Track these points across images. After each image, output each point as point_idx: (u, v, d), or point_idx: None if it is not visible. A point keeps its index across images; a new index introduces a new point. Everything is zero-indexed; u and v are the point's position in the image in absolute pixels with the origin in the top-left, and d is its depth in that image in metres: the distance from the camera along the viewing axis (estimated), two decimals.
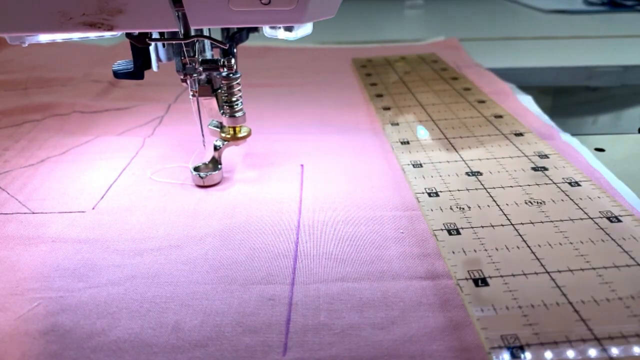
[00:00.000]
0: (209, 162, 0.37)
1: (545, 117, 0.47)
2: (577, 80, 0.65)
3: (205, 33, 0.32)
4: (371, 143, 0.43)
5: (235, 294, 0.26)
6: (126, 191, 0.36)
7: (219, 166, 0.37)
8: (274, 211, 0.33)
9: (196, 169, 0.37)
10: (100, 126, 0.47)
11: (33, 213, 0.33)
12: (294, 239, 0.30)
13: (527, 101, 0.51)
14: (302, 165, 0.39)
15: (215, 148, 0.37)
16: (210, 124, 0.38)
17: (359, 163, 0.39)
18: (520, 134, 0.41)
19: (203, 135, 0.37)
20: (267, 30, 0.32)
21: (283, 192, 0.35)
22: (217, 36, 0.34)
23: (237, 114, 0.35)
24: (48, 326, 0.24)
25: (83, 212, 0.33)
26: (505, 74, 0.59)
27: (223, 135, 0.37)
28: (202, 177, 0.36)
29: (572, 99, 0.61)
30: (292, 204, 0.34)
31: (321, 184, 0.36)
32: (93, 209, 0.34)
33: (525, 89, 0.54)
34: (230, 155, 0.41)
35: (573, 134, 0.43)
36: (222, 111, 0.36)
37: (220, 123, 0.37)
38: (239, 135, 0.37)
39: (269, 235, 0.31)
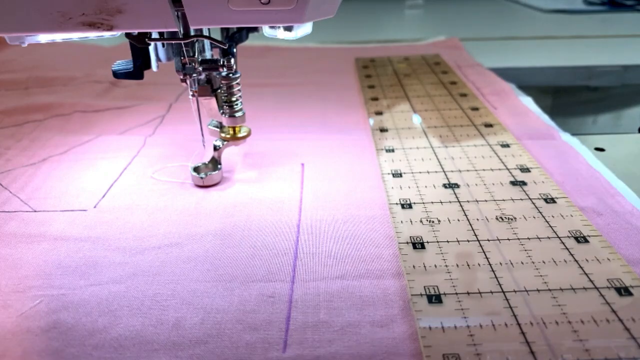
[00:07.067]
0: (209, 162, 0.37)
1: (545, 117, 0.47)
2: (577, 80, 0.65)
3: (205, 33, 0.32)
4: (371, 143, 0.43)
5: (235, 292, 0.26)
6: (127, 190, 0.36)
7: (219, 166, 0.37)
8: (274, 210, 0.33)
9: (196, 169, 0.37)
10: (102, 125, 0.48)
11: (35, 211, 0.34)
12: (294, 237, 0.30)
13: (527, 101, 0.51)
14: (302, 164, 0.39)
15: (215, 148, 0.37)
16: (210, 124, 0.38)
17: (359, 162, 0.39)
18: (507, 145, 0.40)
19: (203, 135, 0.37)
20: (266, 30, 0.32)
21: (283, 191, 0.36)
22: (217, 36, 0.34)
23: (237, 114, 0.35)
24: (50, 323, 0.24)
25: (85, 210, 0.34)
26: (505, 74, 0.59)
27: (223, 135, 0.37)
28: (201, 178, 0.36)
29: (572, 99, 0.61)
30: (293, 203, 0.34)
31: (321, 182, 0.36)
32: (95, 207, 0.34)
33: (525, 88, 0.54)
34: (230, 155, 0.41)
35: (573, 134, 0.43)
36: (221, 111, 0.36)
37: (220, 123, 0.37)
38: (239, 135, 0.37)
39: (270, 233, 0.31)
